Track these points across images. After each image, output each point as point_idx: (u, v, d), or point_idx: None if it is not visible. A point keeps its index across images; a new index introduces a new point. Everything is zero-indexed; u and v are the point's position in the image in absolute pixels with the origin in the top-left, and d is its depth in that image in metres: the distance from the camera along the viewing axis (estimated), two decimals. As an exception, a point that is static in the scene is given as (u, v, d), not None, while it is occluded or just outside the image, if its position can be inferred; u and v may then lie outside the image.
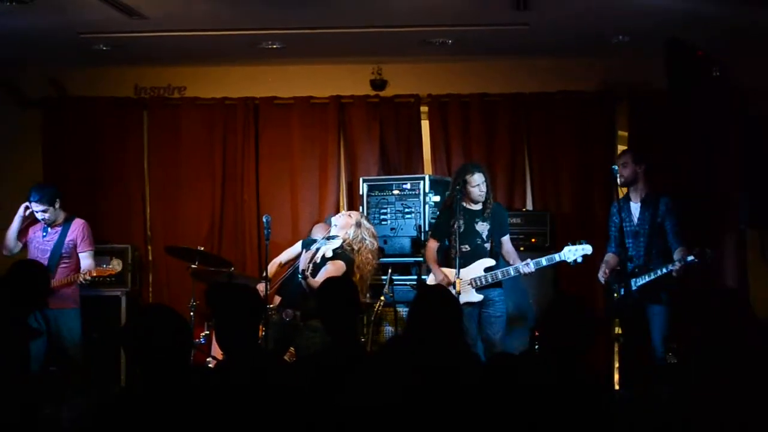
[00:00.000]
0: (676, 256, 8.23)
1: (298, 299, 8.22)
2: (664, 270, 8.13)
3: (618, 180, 8.38)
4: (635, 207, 8.52)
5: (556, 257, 8.38)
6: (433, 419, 4.71)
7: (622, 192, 8.54)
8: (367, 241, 8.59)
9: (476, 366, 5.24)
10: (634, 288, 8.24)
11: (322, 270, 8.22)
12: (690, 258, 8.00)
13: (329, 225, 9.31)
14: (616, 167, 8.30)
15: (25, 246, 9.09)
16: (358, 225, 8.62)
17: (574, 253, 8.34)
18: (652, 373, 8.20)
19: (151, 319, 4.51)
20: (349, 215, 8.78)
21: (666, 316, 8.34)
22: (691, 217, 10.03)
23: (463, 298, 8.25)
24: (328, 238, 8.39)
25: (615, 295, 8.39)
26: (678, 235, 8.39)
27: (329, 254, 8.27)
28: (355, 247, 8.49)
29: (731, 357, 4.95)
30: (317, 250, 8.33)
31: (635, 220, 8.46)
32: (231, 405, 4.48)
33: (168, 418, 4.28)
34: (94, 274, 8.85)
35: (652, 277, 8.20)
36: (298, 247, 8.74)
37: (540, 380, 4.73)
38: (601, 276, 8.50)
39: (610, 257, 8.66)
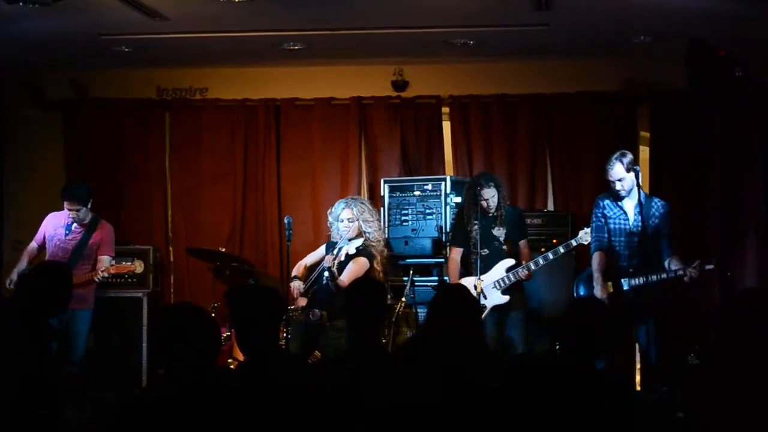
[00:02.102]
0: (674, 265, 7.96)
1: (325, 299, 8.21)
2: (671, 275, 7.91)
3: (620, 194, 8.20)
4: (630, 205, 8.24)
5: (573, 242, 8.36)
6: (451, 419, 4.71)
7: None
8: (375, 222, 8.52)
9: (495, 366, 5.23)
10: (626, 288, 8.13)
11: (346, 269, 8.22)
12: (709, 266, 7.87)
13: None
14: (638, 168, 8.20)
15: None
16: (357, 209, 8.49)
17: (590, 234, 8.31)
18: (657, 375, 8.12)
19: (181, 318, 4.52)
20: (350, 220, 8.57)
21: (656, 320, 8.18)
22: (709, 219, 10.04)
23: (491, 302, 8.26)
24: (350, 240, 8.38)
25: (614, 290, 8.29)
26: (672, 244, 8.10)
27: (352, 251, 8.26)
28: (374, 235, 8.43)
29: (753, 360, 4.92)
30: (340, 249, 8.32)
31: (631, 219, 8.27)
32: (251, 406, 4.49)
33: (189, 420, 4.29)
34: (113, 271, 8.79)
35: (654, 279, 7.96)
36: (322, 250, 8.74)
37: (559, 381, 4.72)
38: (601, 293, 8.15)
39: (600, 259, 8.26)
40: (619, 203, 8.20)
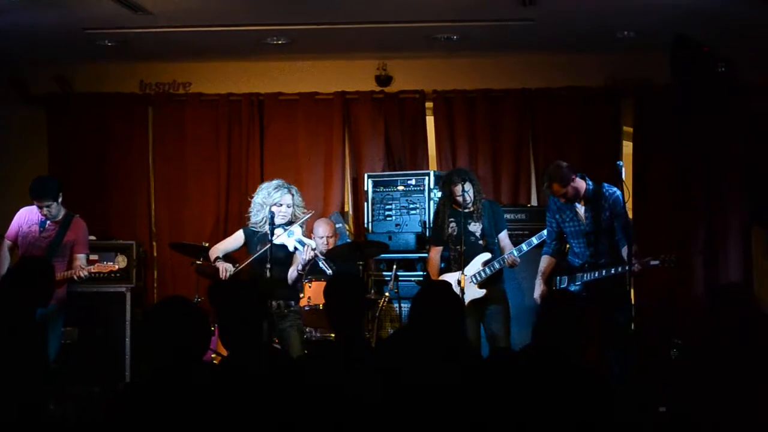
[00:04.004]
0: (625, 253, 7.97)
1: (276, 290, 8.01)
2: (619, 269, 7.89)
3: (564, 199, 8.22)
4: (580, 207, 8.25)
5: (545, 232, 8.39)
6: (433, 414, 4.71)
7: (628, 188, 8.29)
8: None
9: (475, 361, 5.24)
10: (578, 282, 8.15)
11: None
12: (654, 262, 7.87)
13: (333, 222, 9.34)
14: (621, 163, 8.20)
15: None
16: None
17: None
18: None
19: (173, 312, 4.52)
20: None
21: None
22: (693, 214, 10.05)
23: (468, 296, 8.25)
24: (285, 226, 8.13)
25: (553, 287, 8.34)
26: (626, 231, 8.02)
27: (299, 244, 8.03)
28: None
29: (737, 352, 4.94)
30: (292, 237, 8.08)
31: (583, 219, 8.28)
32: (234, 401, 4.49)
33: (172, 414, 4.29)
34: (94, 270, 8.52)
35: (603, 275, 7.99)
36: (240, 237, 8.40)
37: (537, 375, 4.73)
38: (538, 295, 8.37)
39: (545, 263, 8.45)
40: (571, 205, 8.23)
